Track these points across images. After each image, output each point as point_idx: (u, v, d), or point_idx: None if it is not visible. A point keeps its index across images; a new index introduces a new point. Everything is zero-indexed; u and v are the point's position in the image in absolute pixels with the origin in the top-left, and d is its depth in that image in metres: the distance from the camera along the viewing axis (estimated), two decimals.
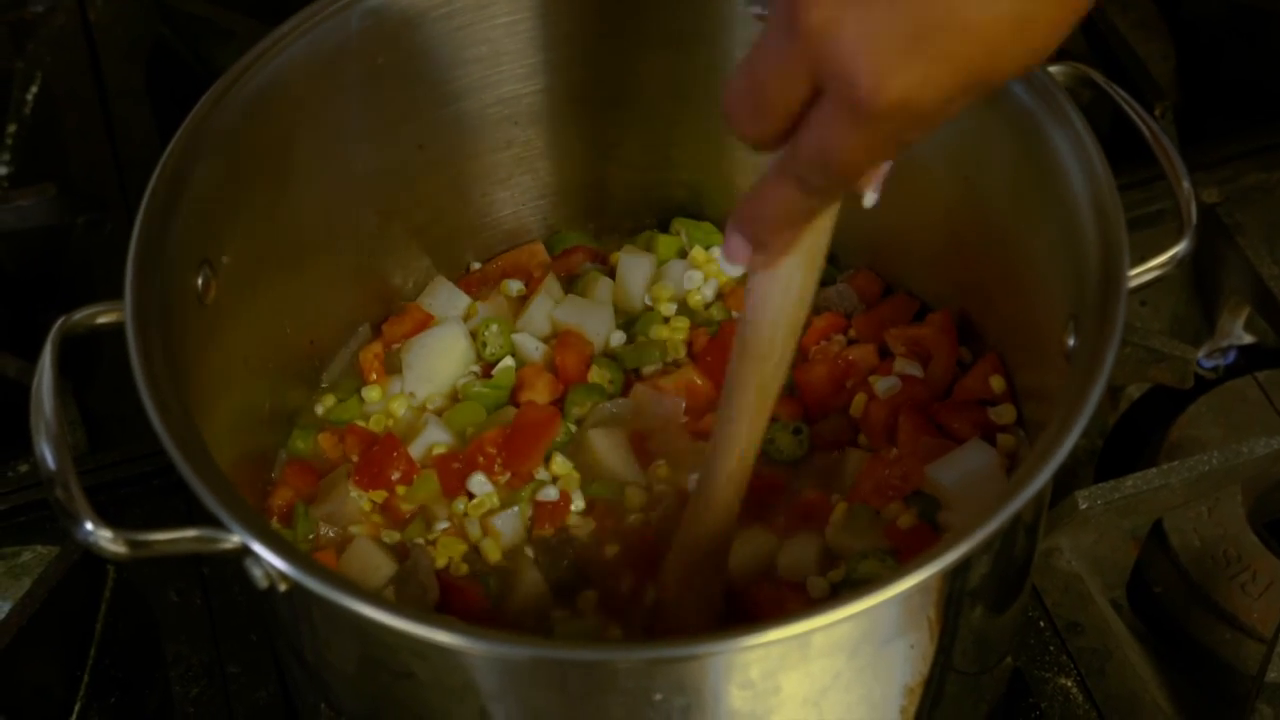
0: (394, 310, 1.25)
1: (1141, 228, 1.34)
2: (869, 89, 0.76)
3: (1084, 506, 1.18)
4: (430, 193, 1.24)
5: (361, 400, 1.21)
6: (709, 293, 1.26)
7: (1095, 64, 1.50)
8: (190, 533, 0.91)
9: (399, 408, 1.19)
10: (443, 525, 1.14)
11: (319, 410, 1.21)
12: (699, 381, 1.19)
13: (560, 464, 1.16)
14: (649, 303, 1.26)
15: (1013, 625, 1.11)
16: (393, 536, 1.14)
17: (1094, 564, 1.24)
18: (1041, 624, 1.18)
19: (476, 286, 1.27)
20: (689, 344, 1.23)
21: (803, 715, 0.94)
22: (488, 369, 1.22)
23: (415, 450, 1.16)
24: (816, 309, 1.23)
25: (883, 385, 1.17)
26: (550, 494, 1.14)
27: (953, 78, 0.78)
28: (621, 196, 1.30)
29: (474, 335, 1.22)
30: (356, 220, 1.21)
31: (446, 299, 1.25)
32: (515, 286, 1.27)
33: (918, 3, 0.75)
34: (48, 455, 0.92)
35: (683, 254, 1.28)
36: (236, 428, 1.10)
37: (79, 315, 0.99)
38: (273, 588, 0.90)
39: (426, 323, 1.24)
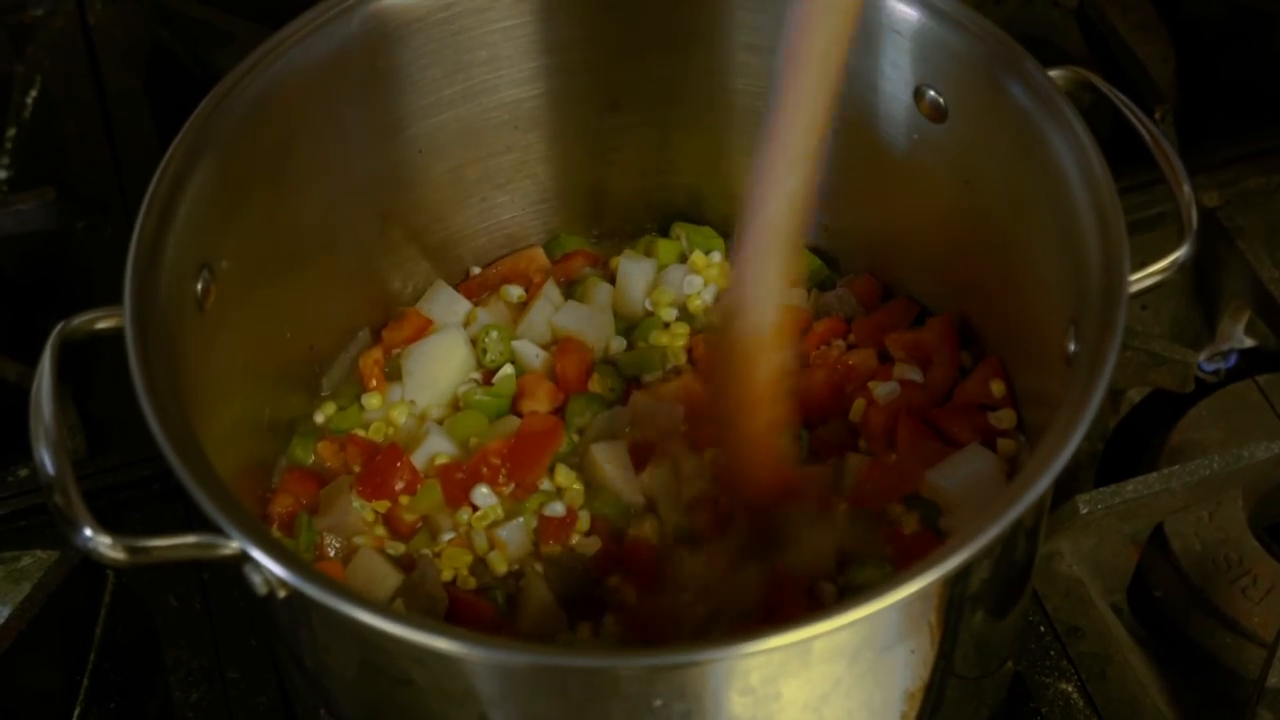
0: (393, 315, 1.25)
1: (1142, 230, 1.34)
2: None
3: (1085, 511, 1.18)
4: (430, 197, 1.24)
5: (361, 408, 1.20)
6: (709, 297, 1.25)
7: (1095, 66, 1.50)
8: (189, 539, 0.91)
9: (399, 416, 1.19)
10: (448, 536, 1.13)
11: (319, 419, 1.20)
12: (699, 389, 1.19)
13: (564, 475, 1.16)
14: (649, 308, 1.25)
15: (1013, 630, 1.10)
16: (397, 548, 1.13)
17: (1095, 568, 1.24)
18: (1042, 628, 1.18)
19: (476, 291, 1.27)
20: (689, 350, 1.22)
21: None
22: (488, 376, 1.22)
23: (418, 460, 1.16)
24: (816, 314, 1.23)
25: (882, 390, 1.17)
26: (557, 509, 1.14)
27: None
28: (621, 201, 1.30)
29: (474, 342, 1.22)
30: (356, 224, 1.20)
31: (446, 304, 1.25)
32: (515, 292, 1.27)
33: None
34: (47, 461, 0.92)
35: (683, 258, 1.28)
36: (236, 434, 1.10)
37: (78, 321, 0.99)
38: (272, 594, 0.90)
39: (426, 328, 1.23)
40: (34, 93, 1.59)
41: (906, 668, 0.96)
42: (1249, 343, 1.41)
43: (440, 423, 1.19)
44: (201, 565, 1.21)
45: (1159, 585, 1.26)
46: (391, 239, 1.24)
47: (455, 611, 1.09)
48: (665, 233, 1.30)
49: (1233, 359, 1.41)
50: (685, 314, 1.25)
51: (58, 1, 1.62)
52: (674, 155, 1.27)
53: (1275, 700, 1.11)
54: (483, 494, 1.14)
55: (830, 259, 1.28)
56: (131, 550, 0.90)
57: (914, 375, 1.18)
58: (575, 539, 1.13)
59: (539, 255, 1.30)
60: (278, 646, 1.12)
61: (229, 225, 1.08)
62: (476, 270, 1.30)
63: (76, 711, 1.19)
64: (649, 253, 1.29)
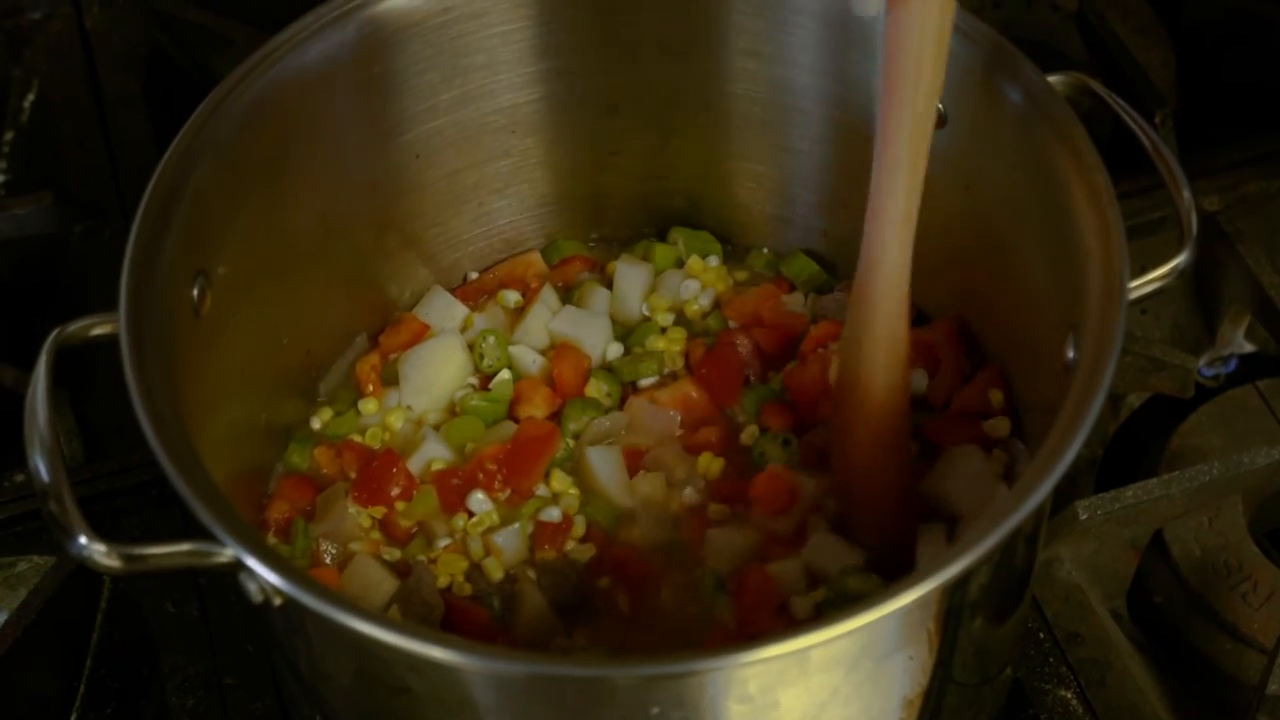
0: (390, 321, 1.24)
1: (1142, 235, 1.33)
2: None
3: (1084, 516, 1.18)
4: (427, 202, 1.24)
5: (358, 413, 1.20)
6: (706, 302, 1.25)
7: (1095, 70, 1.50)
8: (184, 547, 0.90)
9: (396, 421, 1.19)
10: (444, 542, 1.13)
11: (315, 424, 1.20)
12: (695, 394, 1.19)
13: (560, 480, 1.16)
14: (646, 312, 1.25)
15: (1012, 636, 1.10)
16: (393, 554, 1.13)
17: (1094, 574, 1.24)
18: (1041, 635, 1.17)
19: (473, 297, 1.27)
20: (685, 355, 1.22)
21: None
22: (485, 381, 1.21)
23: (414, 465, 1.16)
24: (813, 317, 1.23)
25: None
26: (553, 514, 1.14)
27: None
28: (619, 205, 1.30)
29: (471, 347, 1.22)
30: (353, 230, 1.20)
31: (443, 309, 1.25)
32: (512, 297, 1.26)
33: None
34: (41, 468, 0.91)
35: (680, 263, 1.28)
36: (232, 440, 1.10)
37: (73, 327, 0.98)
38: (267, 602, 0.90)
39: (423, 333, 1.23)
40: (31, 97, 1.59)
41: (905, 675, 0.96)
42: (1249, 348, 1.41)
43: (437, 428, 1.19)
44: (198, 571, 1.21)
45: (1159, 591, 1.25)
46: (388, 244, 1.23)
47: (451, 618, 1.08)
48: (663, 237, 1.30)
49: (1233, 364, 1.41)
50: (682, 319, 1.25)
51: (55, 5, 1.62)
52: (672, 160, 1.27)
53: (1275, 707, 1.11)
54: (479, 500, 1.14)
55: (828, 264, 1.27)
56: (127, 558, 0.90)
57: (917, 380, 1.17)
58: (570, 545, 1.13)
59: (536, 260, 1.29)
60: (274, 653, 1.12)
61: (226, 230, 1.07)
62: (474, 275, 1.29)
63: (73, 717, 1.19)
64: (646, 257, 1.28)
